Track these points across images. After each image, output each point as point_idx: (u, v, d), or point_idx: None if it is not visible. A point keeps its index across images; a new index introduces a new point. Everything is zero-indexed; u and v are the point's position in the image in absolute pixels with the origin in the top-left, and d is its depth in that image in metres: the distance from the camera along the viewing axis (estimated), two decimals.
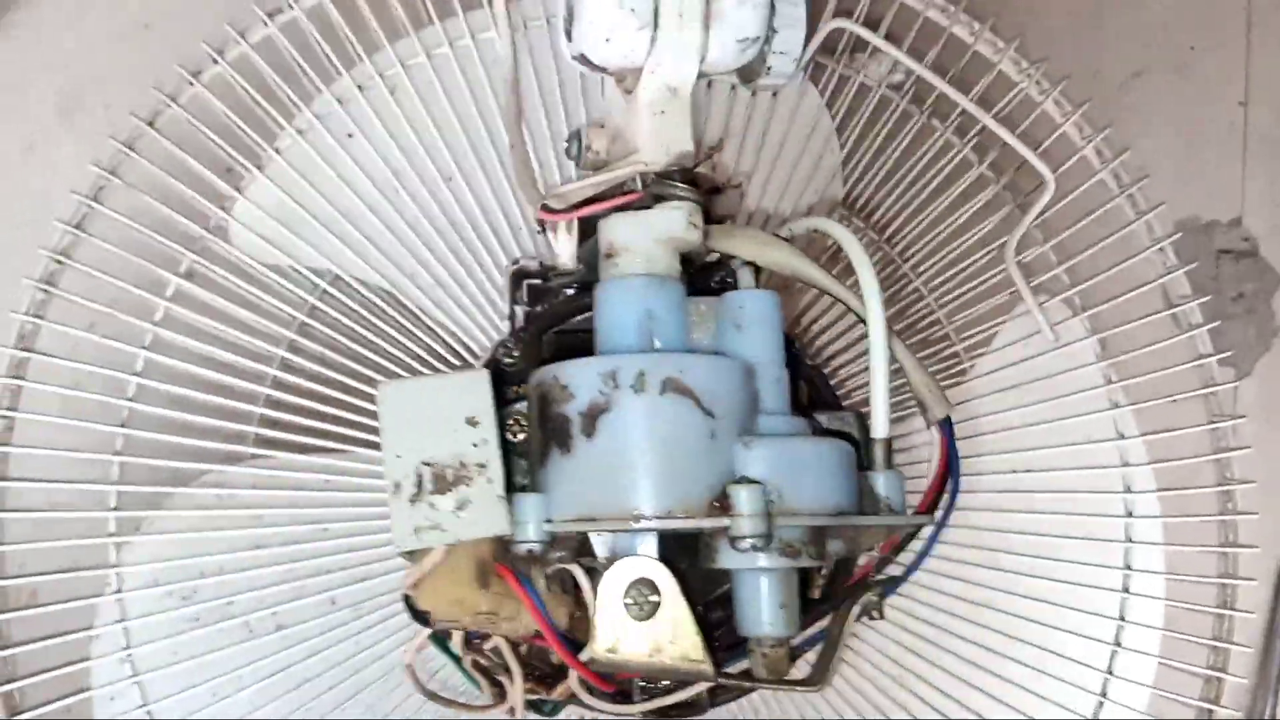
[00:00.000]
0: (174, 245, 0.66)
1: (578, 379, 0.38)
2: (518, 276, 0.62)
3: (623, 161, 0.53)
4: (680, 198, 0.42)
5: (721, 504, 0.37)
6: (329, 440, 0.66)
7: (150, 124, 0.68)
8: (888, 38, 0.68)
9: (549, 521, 0.38)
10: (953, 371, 0.66)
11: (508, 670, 0.47)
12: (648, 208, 0.42)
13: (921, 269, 0.69)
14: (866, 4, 0.69)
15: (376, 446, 0.64)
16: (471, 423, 0.38)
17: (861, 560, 0.44)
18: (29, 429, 0.67)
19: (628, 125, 0.54)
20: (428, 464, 0.38)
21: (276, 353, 0.67)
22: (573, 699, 0.45)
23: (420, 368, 0.66)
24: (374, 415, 0.64)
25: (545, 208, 0.53)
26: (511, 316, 0.62)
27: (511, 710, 0.46)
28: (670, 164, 0.49)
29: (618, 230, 0.42)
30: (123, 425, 0.64)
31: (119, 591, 0.63)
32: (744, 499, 0.36)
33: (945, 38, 0.70)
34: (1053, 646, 0.63)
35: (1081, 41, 0.89)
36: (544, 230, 0.59)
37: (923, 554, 0.44)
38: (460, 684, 0.58)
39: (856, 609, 0.39)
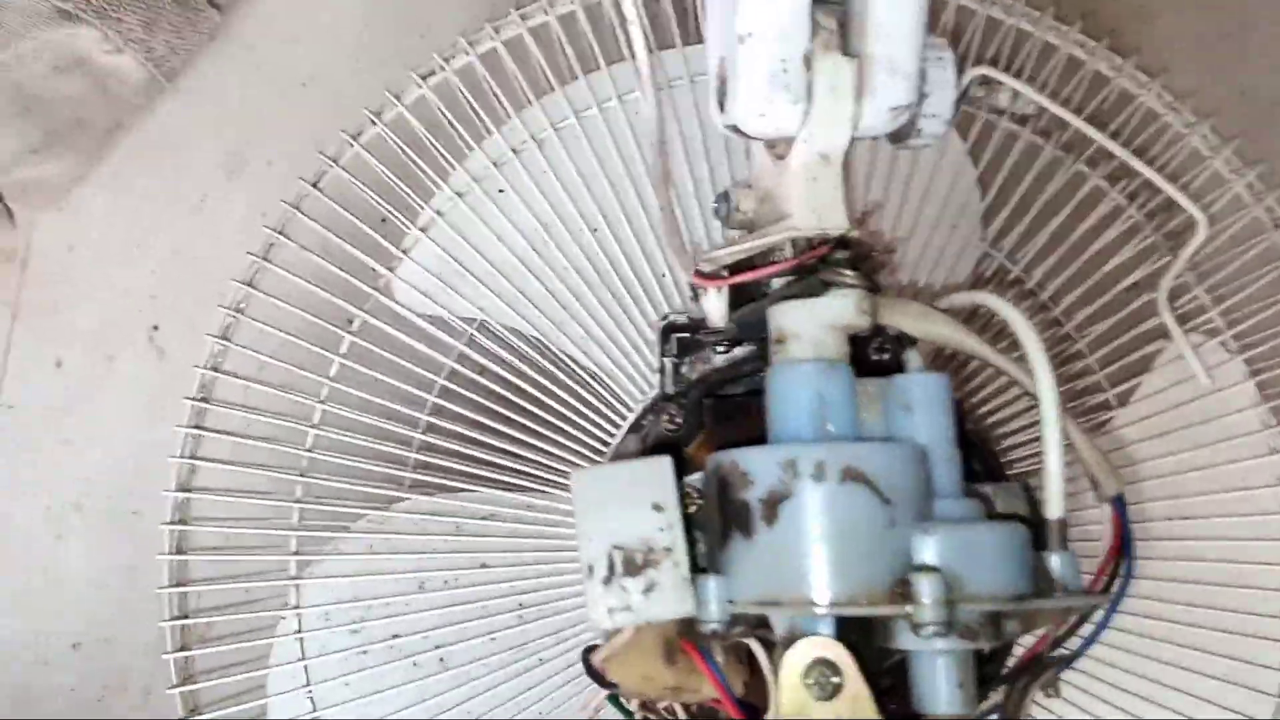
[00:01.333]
0: (344, 303, 0.69)
1: (758, 467, 0.40)
2: (667, 330, 0.64)
3: (774, 226, 0.54)
4: (850, 285, 0.43)
5: (903, 591, 0.38)
6: (481, 485, 0.69)
7: (315, 185, 0.72)
8: (1029, 77, 0.69)
9: (731, 602, 0.40)
10: (1103, 418, 0.66)
11: None
12: (815, 295, 0.43)
13: (1069, 311, 0.68)
14: (1009, 47, 0.69)
15: (523, 489, 0.68)
16: (657, 508, 0.40)
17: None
18: (205, 475, 0.72)
19: (777, 188, 0.55)
20: (618, 548, 0.40)
21: (429, 399, 0.70)
22: None
23: (568, 413, 0.68)
24: (521, 459, 0.68)
25: (699, 273, 0.54)
26: (661, 369, 0.64)
27: None
28: (823, 230, 0.50)
29: (788, 317, 0.43)
30: (302, 474, 0.68)
31: (299, 631, 0.67)
32: (925, 587, 0.37)
33: (1089, 75, 0.69)
34: (1216, 699, 0.63)
35: (1227, 62, 0.87)
36: (696, 295, 0.60)
37: (1097, 631, 0.44)
38: None
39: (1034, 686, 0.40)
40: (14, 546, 0.85)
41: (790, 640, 0.40)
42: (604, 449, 0.67)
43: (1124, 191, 0.69)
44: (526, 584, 0.66)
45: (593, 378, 0.69)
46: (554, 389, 0.69)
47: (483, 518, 0.69)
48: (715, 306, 0.60)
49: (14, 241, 0.87)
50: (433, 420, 0.70)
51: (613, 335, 0.68)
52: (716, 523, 0.41)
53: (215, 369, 0.72)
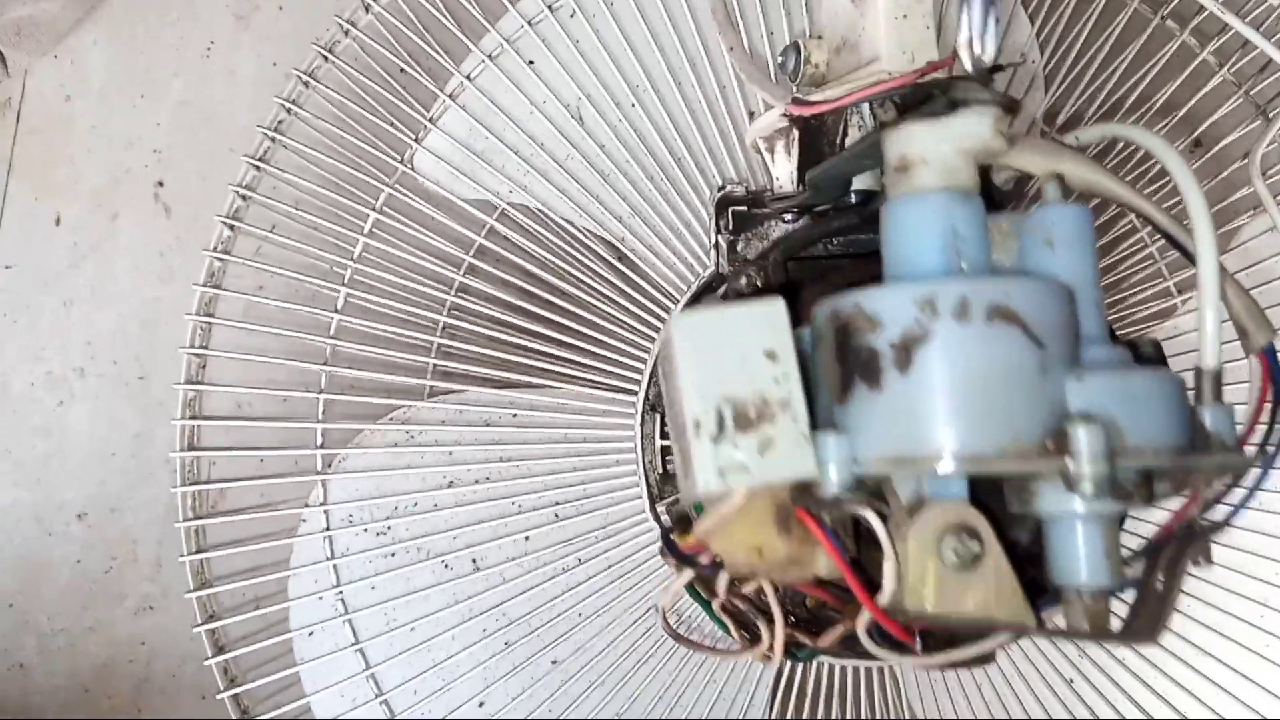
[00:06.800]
0: (370, 179, 0.64)
1: (888, 308, 0.35)
2: (723, 203, 0.59)
3: (859, 73, 0.49)
4: (986, 102, 0.38)
5: (1056, 444, 0.33)
6: (513, 372, 0.65)
7: (329, 52, 0.66)
8: None
9: (856, 463, 0.35)
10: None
11: (763, 614, 0.45)
12: (942, 114, 0.38)
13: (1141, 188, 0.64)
14: None
15: (561, 378, 0.63)
16: (771, 356, 0.35)
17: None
18: (220, 366, 0.67)
19: (859, 34, 0.50)
20: (729, 401, 0.35)
21: (457, 278, 0.65)
22: (844, 647, 0.42)
23: (614, 296, 0.63)
24: (560, 344, 0.63)
25: (797, 100, 0.49)
26: (716, 246, 0.59)
27: (769, 654, 0.44)
28: (915, 70, 0.45)
29: (914, 140, 0.38)
30: (325, 363, 0.63)
31: (327, 529, 0.62)
32: (1084, 438, 0.33)
33: None
34: None
35: None
36: (760, 150, 0.55)
37: (1252, 490, 0.41)
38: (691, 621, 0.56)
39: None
40: (14, 413, 0.80)
41: (915, 507, 0.36)
42: (649, 341, 0.62)
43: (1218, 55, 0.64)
44: (562, 478, 0.62)
45: (639, 258, 0.63)
46: (593, 273, 0.64)
47: (514, 415, 0.64)
48: (784, 167, 0.55)
49: (7, 90, 0.81)
50: (459, 300, 0.65)
51: (661, 213, 0.63)
52: (835, 375, 0.36)
53: (235, 219, 0.66)
